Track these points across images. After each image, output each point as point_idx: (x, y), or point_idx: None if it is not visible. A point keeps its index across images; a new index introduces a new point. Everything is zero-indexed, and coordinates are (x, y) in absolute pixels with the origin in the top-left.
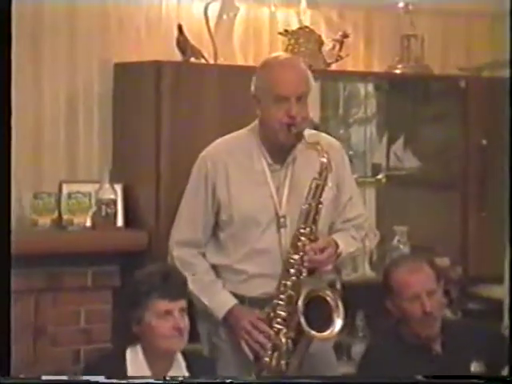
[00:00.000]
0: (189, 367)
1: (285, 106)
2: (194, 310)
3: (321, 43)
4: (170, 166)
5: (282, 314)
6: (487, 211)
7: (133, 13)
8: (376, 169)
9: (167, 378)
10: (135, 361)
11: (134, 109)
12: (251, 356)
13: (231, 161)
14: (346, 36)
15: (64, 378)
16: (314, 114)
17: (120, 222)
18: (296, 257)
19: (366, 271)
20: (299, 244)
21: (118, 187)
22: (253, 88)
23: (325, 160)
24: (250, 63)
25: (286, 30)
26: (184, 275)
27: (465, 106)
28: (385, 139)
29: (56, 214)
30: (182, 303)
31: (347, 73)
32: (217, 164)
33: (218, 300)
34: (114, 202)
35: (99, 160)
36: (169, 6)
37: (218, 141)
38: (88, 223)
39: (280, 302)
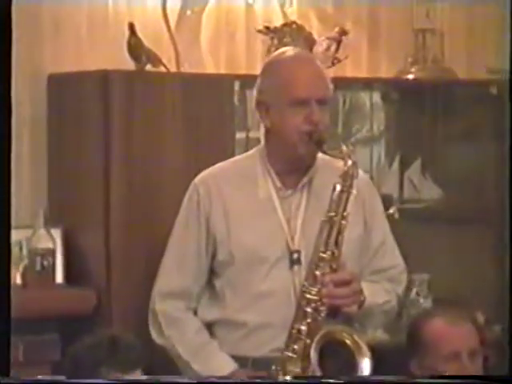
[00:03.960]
0: None
1: (304, 110)
2: None
3: (312, 43)
4: (123, 204)
5: (295, 370)
6: None
7: (71, 11)
8: (386, 201)
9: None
10: None
11: (75, 131)
12: None
13: (229, 187)
14: (344, 33)
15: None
16: None
17: (59, 277)
18: (313, 291)
19: (376, 333)
20: (317, 273)
21: (57, 233)
22: (257, 93)
23: (350, 163)
24: (223, 71)
25: (268, 27)
26: (135, 340)
27: (498, 118)
28: (396, 163)
29: None
30: (138, 375)
31: (347, 80)
32: (211, 191)
33: (213, 366)
34: (52, 252)
35: (31, 199)
36: (117, 1)
37: (215, 166)
38: (18, 280)
39: (291, 355)
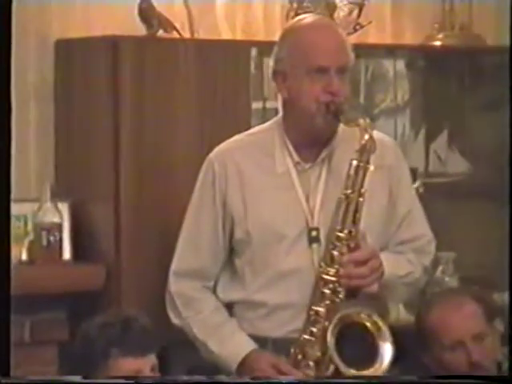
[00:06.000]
0: None
1: (323, 79)
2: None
3: (333, 7)
4: (133, 177)
5: (314, 354)
6: None
7: None
8: (411, 175)
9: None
10: None
11: (84, 100)
12: None
13: (246, 162)
14: None
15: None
16: None
17: (67, 253)
18: (331, 271)
19: (400, 313)
20: (335, 253)
21: (64, 207)
22: (274, 62)
23: (367, 136)
24: (239, 37)
25: None
26: (150, 323)
27: None
28: (422, 135)
29: None
30: (153, 359)
31: (369, 47)
32: (227, 166)
33: (231, 345)
34: (59, 226)
35: (38, 171)
36: None
37: (230, 139)
38: (24, 256)
39: (310, 338)
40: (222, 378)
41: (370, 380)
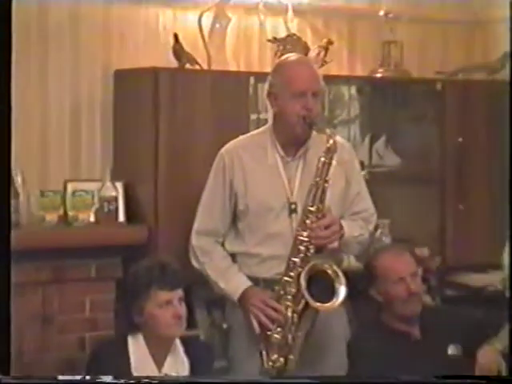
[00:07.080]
0: (187, 351)
1: (302, 100)
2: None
3: (307, 49)
4: (167, 166)
5: (291, 290)
6: (464, 204)
7: (132, 23)
8: (360, 166)
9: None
10: (137, 347)
11: (134, 112)
12: (258, 330)
13: (247, 156)
14: (330, 43)
15: (65, 377)
16: None
17: (121, 217)
18: (304, 234)
19: (351, 262)
20: (307, 222)
21: (119, 185)
22: (268, 86)
23: (331, 141)
24: (242, 69)
25: (275, 38)
26: (179, 266)
27: (441, 107)
28: (367, 139)
29: (62, 211)
30: (180, 292)
31: (332, 77)
32: (233, 159)
33: (234, 283)
34: (116, 199)
35: (101, 160)
36: (165, 17)
37: (236, 139)
38: (91, 219)
39: (289, 280)
40: (223, 378)
41: (369, 380)
